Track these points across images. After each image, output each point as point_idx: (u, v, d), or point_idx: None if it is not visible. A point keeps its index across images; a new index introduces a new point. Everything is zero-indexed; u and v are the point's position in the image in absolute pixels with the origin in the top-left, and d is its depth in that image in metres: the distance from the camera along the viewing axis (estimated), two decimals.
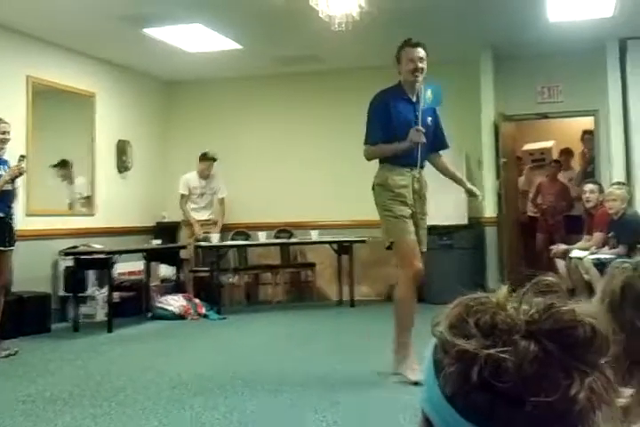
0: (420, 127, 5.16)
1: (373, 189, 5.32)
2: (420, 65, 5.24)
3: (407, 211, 5.24)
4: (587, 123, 10.13)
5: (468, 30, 8.50)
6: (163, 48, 8.74)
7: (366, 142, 5.33)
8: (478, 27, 8.28)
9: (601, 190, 7.89)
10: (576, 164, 11.01)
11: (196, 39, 8.45)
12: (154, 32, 8.17)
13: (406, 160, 5.21)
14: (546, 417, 0.83)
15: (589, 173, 9.84)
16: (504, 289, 0.94)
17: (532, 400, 0.82)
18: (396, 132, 5.16)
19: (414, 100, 5.31)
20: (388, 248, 5.32)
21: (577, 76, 9.26)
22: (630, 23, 8.20)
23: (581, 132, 10.57)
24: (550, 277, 0.95)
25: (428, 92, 5.32)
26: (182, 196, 9.59)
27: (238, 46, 8.77)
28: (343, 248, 9.31)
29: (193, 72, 10.16)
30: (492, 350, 0.84)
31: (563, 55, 9.06)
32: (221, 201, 9.74)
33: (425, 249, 5.58)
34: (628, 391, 0.93)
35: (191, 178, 9.64)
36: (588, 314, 0.88)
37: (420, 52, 5.27)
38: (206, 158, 9.55)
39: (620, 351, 1.77)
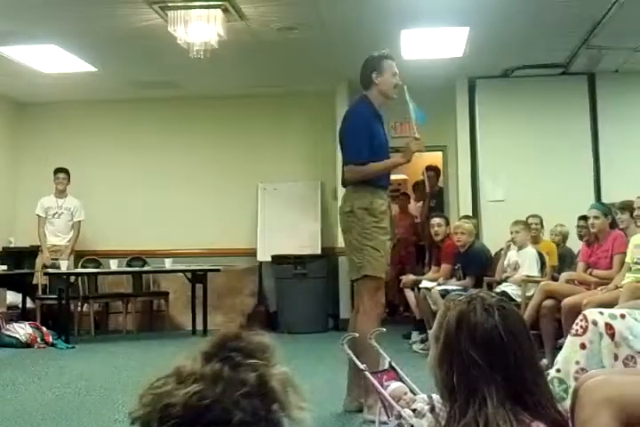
0: (418, 135, 4.83)
1: (351, 212, 4.65)
2: (400, 82, 4.86)
3: (387, 242, 4.71)
4: (430, 159, 10.41)
5: (325, 64, 8.68)
6: (15, 68, 8.46)
7: (352, 161, 4.69)
8: (335, 61, 8.46)
9: (447, 223, 8.17)
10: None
11: (50, 60, 8.25)
12: (6, 51, 7.91)
13: (384, 181, 4.78)
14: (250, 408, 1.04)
15: (432, 208, 10.07)
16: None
17: (233, 399, 1.04)
18: (376, 153, 4.68)
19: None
20: (356, 279, 4.71)
21: (428, 112, 9.48)
22: (479, 63, 8.59)
23: (424, 168, 10.67)
24: None
25: (413, 107, 5.00)
26: (38, 217, 9.44)
27: (93, 69, 8.62)
28: (197, 277, 9.21)
29: (47, 93, 9.89)
30: (190, 388, 1.05)
31: (415, 92, 9.33)
32: (77, 224, 9.54)
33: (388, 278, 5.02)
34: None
35: (46, 199, 9.52)
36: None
37: None
38: (56, 171, 9.51)
39: (455, 382, 1.83)
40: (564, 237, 8.08)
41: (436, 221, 8.14)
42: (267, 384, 1.07)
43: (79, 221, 9.60)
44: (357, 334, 3.87)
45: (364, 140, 4.65)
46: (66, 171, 9.55)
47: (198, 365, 1.07)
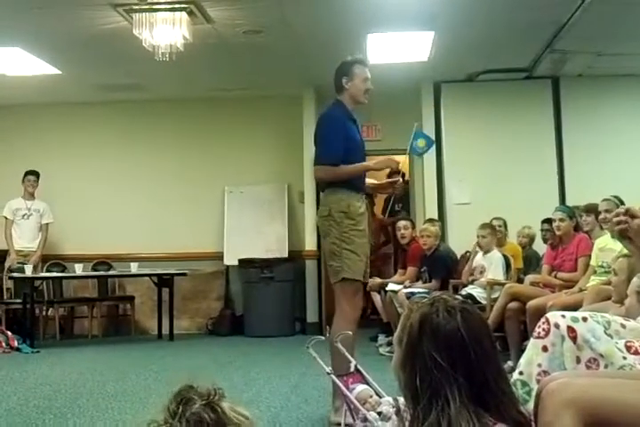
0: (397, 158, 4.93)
1: (329, 216, 4.65)
2: (372, 87, 4.89)
3: (366, 245, 4.71)
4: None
5: (292, 68, 8.69)
6: None
7: (324, 162, 4.70)
8: (301, 65, 8.47)
9: (413, 227, 8.20)
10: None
11: (14, 63, 8.16)
12: None
13: (359, 185, 4.78)
14: None
15: (398, 211, 10.06)
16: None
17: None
18: (350, 156, 4.68)
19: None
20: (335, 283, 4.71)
21: (394, 116, 9.59)
22: (444, 67, 8.65)
23: (388, 172, 10.59)
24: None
25: (421, 141, 5.08)
26: (6, 220, 9.43)
27: (58, 72, 8.55)
28: (163, 281, 9.17)
29: (11, 96, 9.76)
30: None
31: (381, 96, 9.32)
32: (45, 227, 9.50)
33: (367, 281, 5.09)
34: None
35: (14, 201, 9.51)
36: None
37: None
38: (27, 173, 9.52)
39: (418, 384, 1.83)
40: (531, 238, 8.13)
41: (402, 224, 8.17)
42: (217, 412, 1.27)
43: (47, 224, 9.55)
44: (323, 338, 3.85)
45: (338, 142, 4.66)
46: (36, 173, 9.50)
47: (161, 415, 1.32)
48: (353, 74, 4.85)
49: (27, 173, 9.50)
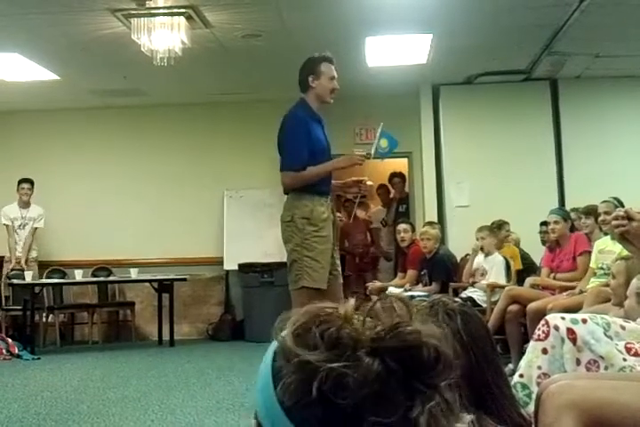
0: (368, 155, 4.78)
1: (291, 221, 4.58)
2: (338, 86, 4.76)
3: (329, 251, 4.60)
4: (396, 165, 10.39)
5: (290, 71, 8.63)
6: None
7: (289, 168, 4.61)
8: (298, 68, 8.44)
9: (413, 230, 8.19)
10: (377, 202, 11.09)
11: (13, 68, 8.17)
12: None
13: (324, 188, 4.68)
14: None
15: (400, 214, 10.04)
16: (351, 302, 0.92)
17: (371, 420, 0.80)
18: (315, 158, 4.61)
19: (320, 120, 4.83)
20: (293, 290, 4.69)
21: (392, 118, 9.55)
22: (442, 70, 8.65)
23: (389, 175, 10.47)
24: (394, 299, 0.93)
25: (383, 141, 4.91)
26: (7, 227, 9.41)
27: (56, 77, 8.55)
28: (163, 286, 9.15)
29: (10, 102, 9.76)
30: (334, 364, 0.82)
31: (380, 98, 9.39)
32: (33, 231, 9.47)
33: (341, 281, 4.94)
34: (468, 417, 0.94)
35: (10, 209, 9.45)
36: (433, 336, 0.86)
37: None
38: (21, 181, 9.46)
39: None
40: (516, 242, 8.10)
41: (402, 227, 8.16)
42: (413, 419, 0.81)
43: (35, 229, 9.50)
44: None
45: (301, 145, 4.56)
46: (30, 181, 9.46)
47: (365, 340, 0.84)
48: (320, 72, 4.75)
49: (20, 181, 9.46)
